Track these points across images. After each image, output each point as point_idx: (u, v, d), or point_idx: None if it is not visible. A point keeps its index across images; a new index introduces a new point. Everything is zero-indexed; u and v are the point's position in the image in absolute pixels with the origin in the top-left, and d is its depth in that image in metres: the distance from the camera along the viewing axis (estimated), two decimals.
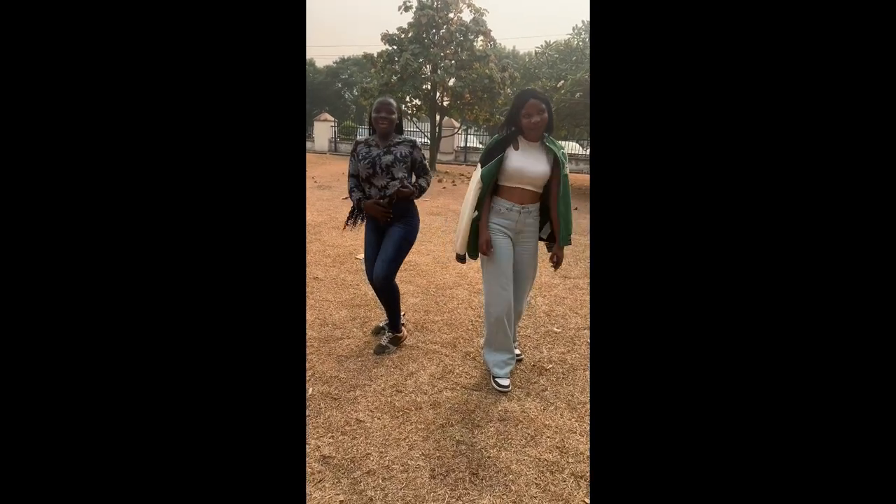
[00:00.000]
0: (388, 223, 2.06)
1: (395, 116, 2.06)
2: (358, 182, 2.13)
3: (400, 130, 2.13)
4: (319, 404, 1.70)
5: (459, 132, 17.08)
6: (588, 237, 4.90)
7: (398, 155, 2.05)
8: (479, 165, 1.83)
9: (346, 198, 6.18)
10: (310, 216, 5.19)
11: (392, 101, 2.09)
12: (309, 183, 7.80)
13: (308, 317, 2.44)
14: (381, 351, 2.10)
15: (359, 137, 2.24)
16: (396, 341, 2.14)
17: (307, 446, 1.46)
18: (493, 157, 1.79)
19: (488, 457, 1.46)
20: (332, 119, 17.62)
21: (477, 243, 1.84)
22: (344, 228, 2.21)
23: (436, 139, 12.68)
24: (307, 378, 1.87)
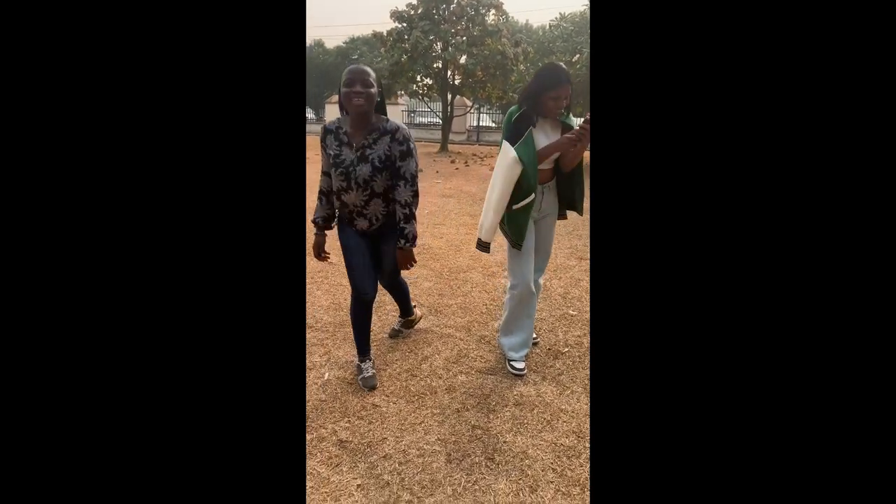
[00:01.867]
0: (380, 234, 1.65)
1: (374, 91, 1.45)
2: (330, 184, 1.65)
3: (382, 110, 1.56)
4: (336, 389, 1.71)
5: (472, 111, 16.79)
6: None
7: (377, 162, 1.51)
8: (504, 143, 1.64)
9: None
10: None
11: (369, 69, 1.47)
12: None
13: (323, 301, 2.45)
14: (395, 335, 2.10)
15: (327, 123, 1.60)
16: (409, 325, 2.12)
17: (324, 430, 1.48)
18: (521, 133, 1.63)
19: (504, 441, 1.45)
20: None
21: (518, 230, 1.70)
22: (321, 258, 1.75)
23: (448, 119, 12.49)
24: (323, 363, 1.88)
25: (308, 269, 2.89)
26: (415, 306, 2.13)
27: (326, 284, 2.68)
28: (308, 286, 2.64)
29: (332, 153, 1.57)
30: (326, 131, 1.60)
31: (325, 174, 1.67)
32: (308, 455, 1.37)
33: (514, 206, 1.68)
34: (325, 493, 1.24)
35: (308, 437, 1.45)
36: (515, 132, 1.64)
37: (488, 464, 1.36)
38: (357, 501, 1.22)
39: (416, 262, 1.66)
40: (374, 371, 1.76)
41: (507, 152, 1.64)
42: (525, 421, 1.56)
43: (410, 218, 1.56)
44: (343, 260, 1.68)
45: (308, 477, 1.29)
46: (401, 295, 1.98)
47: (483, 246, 1.79)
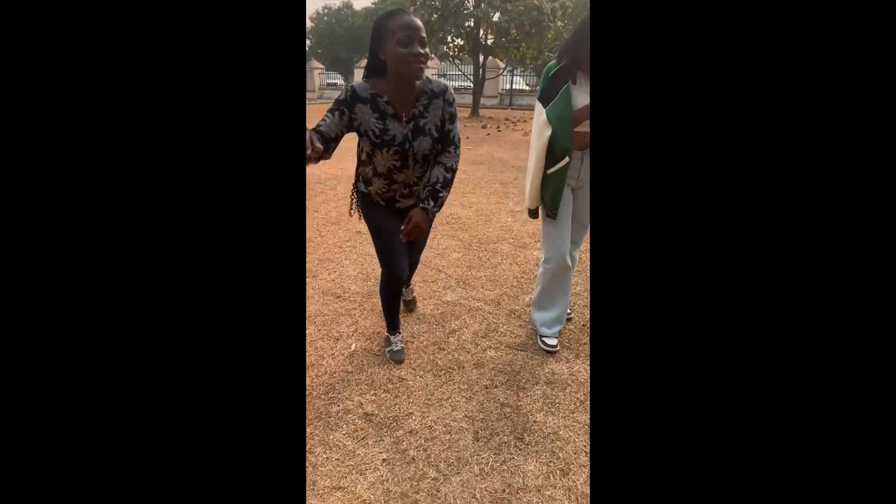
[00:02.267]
0: (407, 208, 1.51)
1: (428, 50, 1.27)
2: (325, 138, 1.27)
3: None
4: (362, 360, 1.69)
5: (505, 73, 16.06)
6: None
7: (435, 132, 1.33)
8: (537, 104, 1.54)
9: None
10: (346, 165, 5.15)
11: (418, 20, 1.24)
12: None
13: (351, 271, 2.43)
14: (411, 306, 2.05)
15: (356, 84, 1.31)
16: (411, 289, 2.06)
17: (350, 402, 1.47)
18: (556, 91, 1.49)
19: (534, 421, 1.40)
20: None
21: (552, 197, 1.58)
22: (351, 215, 1.66)
23: (479, 82, 11.99)
24: (350, 334, 1.87)
25: (336, 239, 2.88)
26: None
27: (354, 254, 2.65)
28: (336, 255, 2.62)
29: (374, 129, 1.31)
30: (356, 97, 1.30)
31: (320, 132, 1.27)
32: (334, 427, 1.37)
33: (548, 171, 1.55)
34: (351, 465, 1.23)
35: (334, 408, 1.44)
36: (550, 90, 1.50)
37: (517, 444, 1.31)
38: (382, 476, 1.20)
39: (423, 232, 1.43)
40: (402, 345, 1.73)
41: (539, 114, 1.53)
42: (557, 400, 1.49)
43: (449, 185, 1.38)
44: (371, 238, 1.58)
45: (334, 449, 1.29)
46: (414, 268, 1.92)
47: (530, 213, 1.70)
